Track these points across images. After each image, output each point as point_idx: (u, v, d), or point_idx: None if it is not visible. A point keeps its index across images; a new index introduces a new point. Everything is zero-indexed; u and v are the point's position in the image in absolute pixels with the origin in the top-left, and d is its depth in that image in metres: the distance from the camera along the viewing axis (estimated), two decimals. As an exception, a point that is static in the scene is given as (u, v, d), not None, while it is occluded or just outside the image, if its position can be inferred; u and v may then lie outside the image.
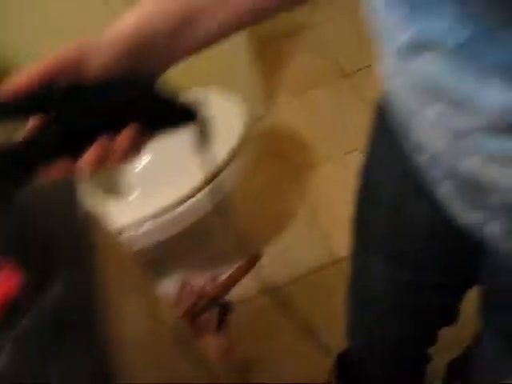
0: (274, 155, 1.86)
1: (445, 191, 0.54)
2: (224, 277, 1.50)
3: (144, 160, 1.29)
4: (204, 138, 0.53)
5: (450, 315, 0.81)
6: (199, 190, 1.15)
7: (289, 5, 0.53)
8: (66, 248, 0.56)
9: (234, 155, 1.19)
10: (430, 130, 0.48)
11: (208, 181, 1.16)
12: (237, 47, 1.78)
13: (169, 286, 1.45)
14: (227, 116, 1.24)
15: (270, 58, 2.21)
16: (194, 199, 1.16)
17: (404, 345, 0.87)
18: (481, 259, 0.63)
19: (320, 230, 1.61)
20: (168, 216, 1.15)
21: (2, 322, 0.50)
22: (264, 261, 1.55)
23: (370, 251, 0.76)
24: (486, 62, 0.37)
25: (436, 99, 0.44)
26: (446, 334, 0.86)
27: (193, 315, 1.34)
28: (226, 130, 1.21)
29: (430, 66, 0.42)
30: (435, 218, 0.61)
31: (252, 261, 1.54)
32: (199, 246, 1.47)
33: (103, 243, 0.62)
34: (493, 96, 0.38)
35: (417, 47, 0.43)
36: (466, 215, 0.53)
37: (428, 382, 1.06)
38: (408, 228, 0.68)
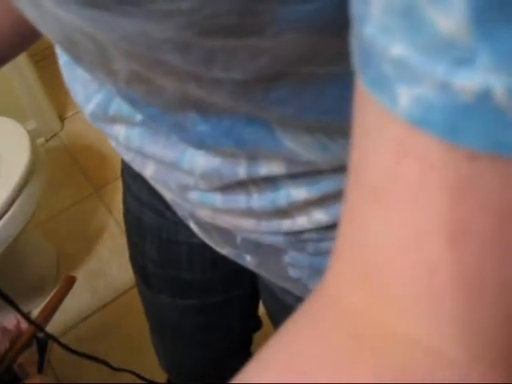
0: (77, 170, 1.79)
1: (194, 228, 0.55)
2: (38, 310, 1.42)
3: None
4: None
5: (247, 328, 0.85)
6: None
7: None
8: None
9: (22, 185, 1.13)
10: (155, 184, 0.49)
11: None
12: (16, 69, 1.67)
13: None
14: (9, 146, 1.17)
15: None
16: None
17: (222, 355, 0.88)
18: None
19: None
20: None
21: None
22: (79, 283, 1.50)
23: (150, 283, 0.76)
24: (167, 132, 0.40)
25: (148, 159, 0.45)
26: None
27: (9, 360, 1.25)
28: (10, 161, 1.13)
29: (127, 132, 0.43)
30: (197, 244, 0.63)
31: (66, 285, 1.48)
32: (12, 277, 1.37)
33: None
34: (193, 161, 0.41)
35: (106, 118, 0.44)
36: (220, 249, 0.55)
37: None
38: (174, 255, 0.69)
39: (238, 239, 0.50)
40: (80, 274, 1.51)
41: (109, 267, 1.53)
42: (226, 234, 0.50)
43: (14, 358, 1.20)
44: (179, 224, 0.60)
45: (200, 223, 0.52)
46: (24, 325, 1.35)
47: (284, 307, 0.58)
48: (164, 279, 0.72)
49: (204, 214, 0.47)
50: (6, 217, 1.13)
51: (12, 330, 1.32)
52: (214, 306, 0.74)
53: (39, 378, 1.26)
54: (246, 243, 0.49)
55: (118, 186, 1.71)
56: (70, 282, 1.48)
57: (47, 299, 1.43)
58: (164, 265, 0.70)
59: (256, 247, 0.49)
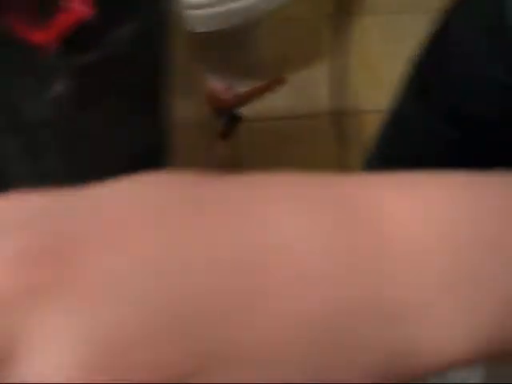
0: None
1: None
2: (242, 91, 1.49)
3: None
4: None
5: None
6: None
7: None
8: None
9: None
10: None
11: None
12: None
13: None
14: None
15: None
16: None
17: None
18: None
19: (349, 80, 1.58)
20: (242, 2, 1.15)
21: (68, 44, 0.50)
22: (287, 89, 1.54)
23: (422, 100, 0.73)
24: None
25: None
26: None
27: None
28: None
29: None
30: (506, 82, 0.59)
31: (274, 83, 1.53)
32: (237, 51, 1.44)
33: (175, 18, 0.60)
34: None
35: None
36: None
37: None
38: (474, 87, 0.64)
39: None
40: (289, 80, 1.54)
41: (318, 87, 1.54)
42: None
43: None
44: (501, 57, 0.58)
45: None
46: (227, 95, 1.44)
47: None
48: (442, 103, 0.69)
49: None
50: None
51: (216, 92, 1.42)
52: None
53: (221, 144, 1.36)
54: None
55: (361, 21, 1.68)
56: (280, 81, 1.53)
57: (253, 86, 1.50)
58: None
59: None
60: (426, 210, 0.18)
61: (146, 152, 0.51)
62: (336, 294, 0.17)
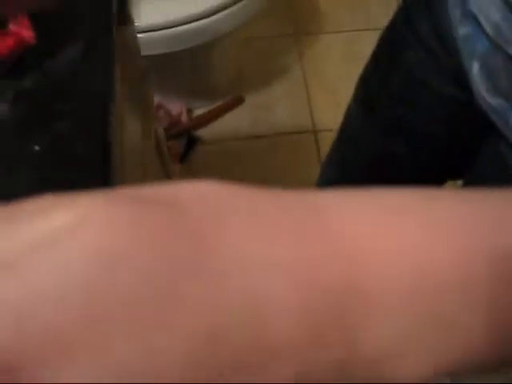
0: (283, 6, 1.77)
1: (475, 70, 0.51)
2: (200, 112, 1.49)
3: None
4: None
5: None
6: (227, 6, 1.15)
7: None
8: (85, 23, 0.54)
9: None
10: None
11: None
12: None
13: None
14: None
15: None
16: (220, 14, 1.16)
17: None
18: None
19: (307, 98, 1.59)
20: (191, 26, 1.15)
21: (9, 68, 0.50)
22: (245, 109, 1.54)
23: (369, 113, 0.73)
24: None
25: None
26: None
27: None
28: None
29: None
30: (451, 94, 0.60)
31: (233, 103, 1.53)
32: (194, 73, 1.44)
33: (122, 38, 0.60)
34: None
35: None
36: (490, 98, 0.51)
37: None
38: (418, 99, 0.65)
39: None
40: (247, 100, 1.54)
41: (276, 106, 1.54)
42: None
43: (167, 138, 1.28)
44: (444, 68, 0.58)
45: (488, 64, 0.49)
46: (184, 117, 1.42)
47: (509, 178, 0.54)
48: (387, 116, 0.70)
49: None
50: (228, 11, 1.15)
51: (173, 116, 1.41)
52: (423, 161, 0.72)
53: (178, 167, 1.35)
54: None
55: (319, 40, 1.69)
56: (238, 101, 1.53)
57: (212, 106, 1.49)
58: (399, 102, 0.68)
59: None
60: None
61: (94, 177, 0.50)
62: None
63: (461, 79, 0.55)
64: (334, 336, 0.16)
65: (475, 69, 0.51)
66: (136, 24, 1.07)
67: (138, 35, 1.05)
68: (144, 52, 1.00)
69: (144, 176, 0.64)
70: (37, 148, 0.50)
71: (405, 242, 0.17)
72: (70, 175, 0.50)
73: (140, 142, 0.67)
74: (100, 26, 0.55)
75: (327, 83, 1.59)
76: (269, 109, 1.55)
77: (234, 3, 1.15)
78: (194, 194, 0.17)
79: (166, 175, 0.89)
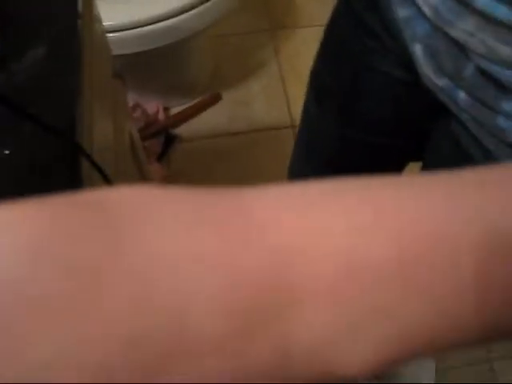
0: (258, 1, 1.77)
1: (418, 52, 0.52)
2: (178, 110, 1.48)
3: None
4: None
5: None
6: (193, 7, 1.15)
7: None
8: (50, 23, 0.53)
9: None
10: None
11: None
12: None
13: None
14: None
15: None
16: (187, 14, 1.15)
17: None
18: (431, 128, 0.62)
19: (284, 93, 1.58)
20: (159, 25, 1.14)
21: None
22: (222, 105, 1.53)
23: (323, 105, 0.74)
24: None
25: None
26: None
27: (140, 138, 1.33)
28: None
29: None
30: (398, 77, 0.60)
31: (210, 100, 1.52)
32: (170, 71, 1.43)
33: (90, 38, 0.59)
34: None
35: None
36: (436, 79, 0.51)
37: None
38: (366, 85, 0.65)
39: (468, 70, 0.47)
40: (225, 97, 1.53)
41: (254, 102, 1.54)
42: (459, 61, 0.47)
43: (142, 140, 1.27)
44: (389, 51, 0.58)
45: (431, 46, 0.49)
46: (161, 116, 1.41)
47: (463, 156, 0.55)
48: (340, 105, 0.70)
49: (469, 28, 0.43)
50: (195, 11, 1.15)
51: (150, 115, 1.40)
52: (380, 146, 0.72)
53: (157, 166, 1.34)
54: (475, 77, 0.46)
55: (295, 34, 1.69)
56: (216, 98, 1.52)
57: (189, 104, 1.48)
58: (350, 93, 0.68)
59: (485, 84, 0.46)
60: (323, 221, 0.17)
61: (64, 179, 0.49)
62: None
63: (406, 61, 0.55)
64: (263, 329, 0.16)
65: (418, 51, 0.52)
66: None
67: (107, 35, 1.04)
68: (115, 51, 1.00)
69: (116, 176, 0.64)
70: (6, 152, 0.49)
71: (332, 232, 0.17)
72: (40, 178, 0.49)
73: (112, 141, 0.66)
74: (65, 26, 0.54)
75: (304, 77, 1.58)
76: (247, 105, 1.55)
77: (201, 3, 1.15)
78: (120, 196, 0.17)
79: (141, 175, 0.88)
